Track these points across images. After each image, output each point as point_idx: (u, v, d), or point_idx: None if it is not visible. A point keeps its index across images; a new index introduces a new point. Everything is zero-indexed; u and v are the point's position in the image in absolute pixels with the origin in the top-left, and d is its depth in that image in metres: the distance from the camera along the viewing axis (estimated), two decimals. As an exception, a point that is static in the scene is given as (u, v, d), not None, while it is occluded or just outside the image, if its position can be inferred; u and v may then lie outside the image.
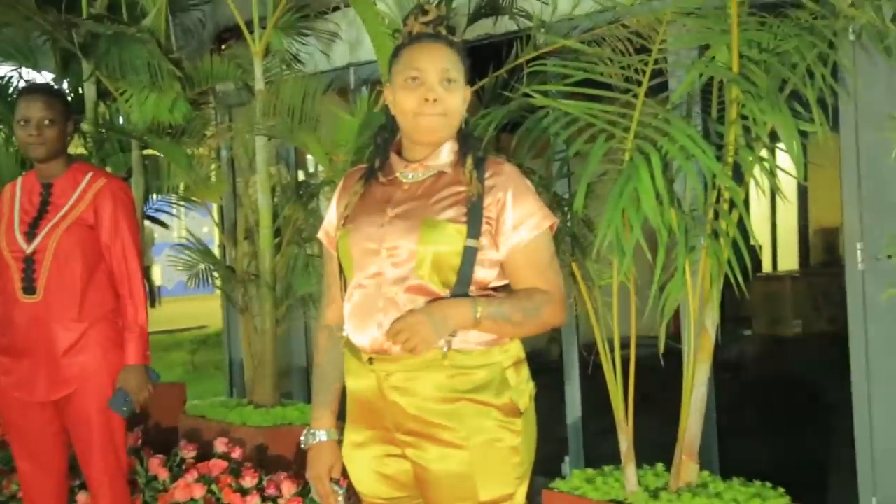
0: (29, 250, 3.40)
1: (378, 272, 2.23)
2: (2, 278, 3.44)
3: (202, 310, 13.30)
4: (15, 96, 6.05)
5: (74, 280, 3.41)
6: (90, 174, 3.48)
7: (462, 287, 2.19)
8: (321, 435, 2.39)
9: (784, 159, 3.24)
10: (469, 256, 2.20)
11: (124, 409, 3.40)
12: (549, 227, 2.25)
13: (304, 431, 2.41)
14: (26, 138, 3.40)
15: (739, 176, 3.27)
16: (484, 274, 2.23)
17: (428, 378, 2.20)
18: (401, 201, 2.27)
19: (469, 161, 2.25)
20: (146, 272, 7.39)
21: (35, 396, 3.42)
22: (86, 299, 3.42)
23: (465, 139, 2.30)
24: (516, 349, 2.28)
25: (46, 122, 3.39)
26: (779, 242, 12.02)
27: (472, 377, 2.21)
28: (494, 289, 2.25)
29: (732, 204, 3.22)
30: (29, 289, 3.39)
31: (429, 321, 2.14)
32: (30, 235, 3.41)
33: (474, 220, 2.20)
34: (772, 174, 3.21)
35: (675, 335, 3.71)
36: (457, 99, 2.26)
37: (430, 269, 2.20)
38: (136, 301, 3.46)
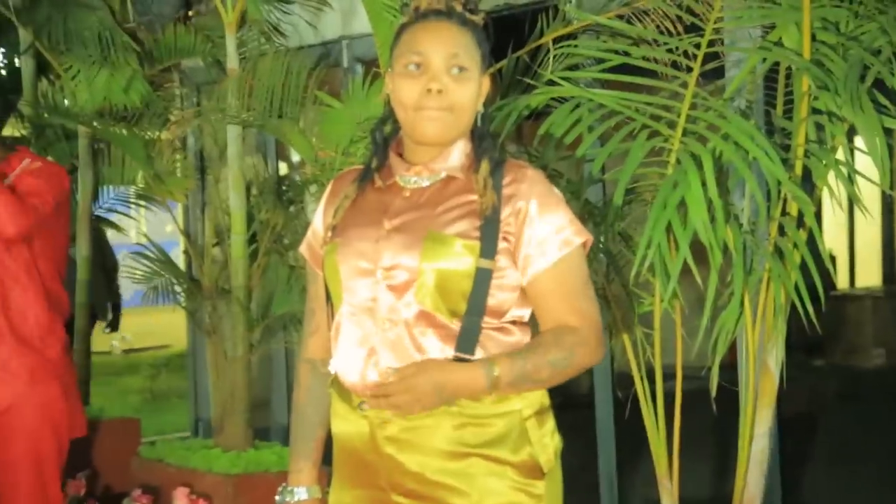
0: None
1: (372, 297, 2.21)
2: None
3: (166, 325, 13.29)
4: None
5: (1, 294, 3.38)
6: (24, 163, 3.46)
7: (473, 317, 2.17)
8: (300, 492, 2.38)
9: (864, 162, 3.20)
10: (483, 280, 2.17)
11: None
12: (581, 245, 2.21)
13: (280, 488, 2.39)
14: None
15: (810, 183, 3.23)
16: (502, 299, 2.20)
17: (432, 428, 2.18)
18: (400, 211, 2.25)
19: (484, 165, 2.23)
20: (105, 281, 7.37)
21: None
22: (10, 317, 3.40)
23: (481, 139, 2.28)
24: (539, 395, 2.25)
25: None
26: (857, 253, 11.99)
27: (486, 429, 2.18)
28: (513, 321, 2.22)
29: (801, 217, 3.18)
30: None
31: (436, 395, 2.12)
32: None
33: (489, 235, 2.17)
34: (850, 182, 3.17)
35: (731, 364, 3.68)
36: (467, 91, 2.23)
37: (435, 294, 2.17)
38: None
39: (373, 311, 2.21)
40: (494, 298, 2.19)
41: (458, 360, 2.16)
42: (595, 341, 2.19)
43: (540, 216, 2.18)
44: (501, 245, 2.18)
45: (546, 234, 2.18)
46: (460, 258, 2.17)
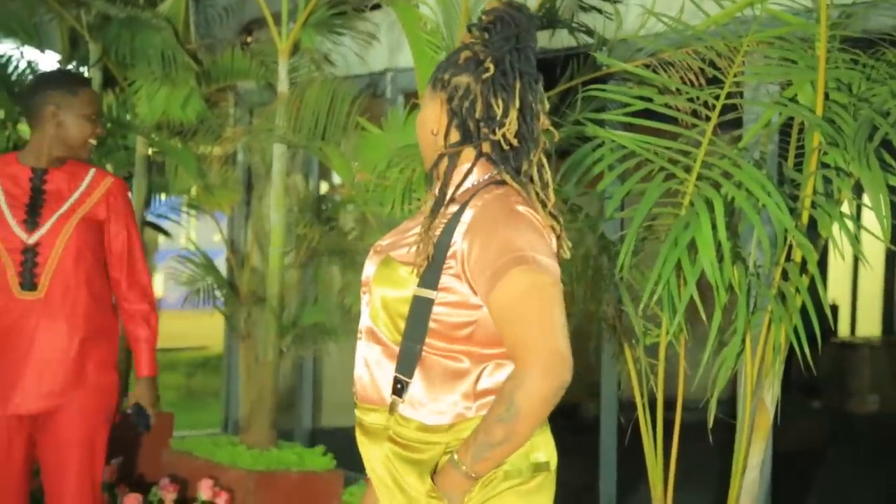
0: (30, 241, 3.37)
1: (363, 310, 2.26)
2: None
3: (205, 328, 13.31)
4: (17, 76, 6.15)
5: (85, 280, 3.41)
6: (93, 171, 3.51)
7: (410, 342, 2.13)
8: None
9: (869, 215, 3.17)
10: (420, 307, 2.11)
11: (146, 424, 3.53)
12: (520, 270, 2.04)
13: None
14: (94, 135, 3.47)
15: (815, 232, 3.20)
16: (452, 324, 2.12)
17: (375, 441, 2.20)
18: (397, 232, 2.27)
19: (430, 194, 2.20)
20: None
21: (10, 408, 3.36)
22: (91, 307, 3.43)
23: (435, 162, 2.22)
24: None
25: None
26: (859, 303, 11.87)
27: (410, 454, 2.15)
28: (468, 352, 2.13)
29: (805, 264, 3.15)
30: (28, 284, 3.36)
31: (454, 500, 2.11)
32: (29, 224, 3.39)
33: (434, 265, 2.11)
34: (855, 238, 3.13)
35: (731, 399, 3.64)
36: (418, 123, 2.26)
37: (383, 315, 2.17)
38: (153, 308, 3.57)
39: (360, 323, 2.26)
40: (441, 324, 2.11)
41: (396, 380, 2.13)
42: (536, 372, 2.01)
43: (481, 247, 2.08)
44: (450, 273, 2.10)
45: (483, 265, 2.07)
46: (403, 284, 2.14)
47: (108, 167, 5.88)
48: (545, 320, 2.04)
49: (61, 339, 3.37)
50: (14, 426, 3.39)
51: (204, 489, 4.67)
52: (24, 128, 6.29)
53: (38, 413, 3.39)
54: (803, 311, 3.14)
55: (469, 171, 2.17)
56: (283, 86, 5.20)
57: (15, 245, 3.36)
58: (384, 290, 2.17)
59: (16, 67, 6.27)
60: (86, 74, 5.98)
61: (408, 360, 2.13)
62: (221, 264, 6.30)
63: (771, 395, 3.26)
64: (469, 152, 2.18)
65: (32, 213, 3.39)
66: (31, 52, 6.39)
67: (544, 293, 2.05)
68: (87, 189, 3.46)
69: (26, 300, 3.36)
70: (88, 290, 3.42)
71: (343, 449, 4.86)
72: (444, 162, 2.19)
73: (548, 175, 2.19)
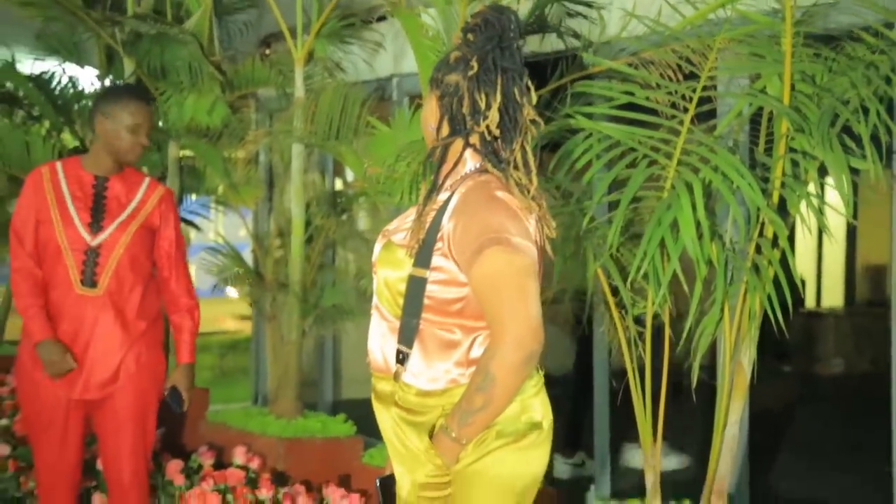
0: (94, 243, 3.39)
1: (373, 289, 2.27)
2: (49, 269, 3.39)
3: (235, 313, 13.32)
4: (59, 91, 6.14)
5: (140, 280, 3.45)
6: (147, 179, 3.55)
7: (408, 318, 2.15)
8: None
9: (833, 194, 3.16)
10: (415, 285, 2.12)
11: (179, 406, 3.53)
12: (494, 250, 2.05)
13: None
14: (137, 145, 3.41)
15: (785, 210, 3.19)
16: (444, 299, 2.13)
17: (385, 406, 2.22)
18: (400, 218, 2.28)
19: (425, 183, 2.24)
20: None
21: (74, 394, 3.40)
22: (143, 302, 3.47)
23: (430, 154, 2.24)
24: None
25: (149, 129, 3.46)
26: (824, 277, 11.86)
27: (411, 417, 2.18)
28: (461, 325, 2.15)
29: (776, 239, 3.14)
30: (88, 281, 3.38)
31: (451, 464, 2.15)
32: (94, 227, 3.41)
33: (426, 246, 2.12)
34: (819, 212, 3.12)
35: (711, 365, 3.64)
36: (422, 120, 2.27)
37: (387, 292, 2.19)
38: (197, 303, 3.58)
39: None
40: (434, 300, 2.13)
41: (398, 351, 2.15)
42: (507, 344, 2.03)
43: (462, 229, 2.09)
44: (439, 253, 2.12)
45: (464, 245, 2.09)
46: (399, 264, 2.16)
47: (144, 169, 5.87)
48: (516, 296, 2.05)
49: (118, 333, 3.41)
50: (73, 407, 3.43)
51: (238, 455, 4.68)
52: (67, 137, 6.31)
53: (93, 398, 3.42)
54: (775, 282, 3.14)
55: (458, 161, 2.18)
56: (299, 91, 5.19)
57: (79, 245, 3.39)
58: (386, 270, 2.18)
59: (58, 82, 6.27)
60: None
61: (407, 333, 2.15)
62: (248, 255, 6.30)
63: (748, 358, 3.26)
64: (458, 143, 2.19)
65: (96, 218, 3.42)
66: (71, 69, 6.40)
67: (517, 271, 2.06)
68: (143, 198, 3.49)
69: (86, 296, 3.39)
70: (142, 288, 3.47)
71: (362, 417, 4.87)
72: (438, 153, 2.20)
73: (532, 161, 2.19)
